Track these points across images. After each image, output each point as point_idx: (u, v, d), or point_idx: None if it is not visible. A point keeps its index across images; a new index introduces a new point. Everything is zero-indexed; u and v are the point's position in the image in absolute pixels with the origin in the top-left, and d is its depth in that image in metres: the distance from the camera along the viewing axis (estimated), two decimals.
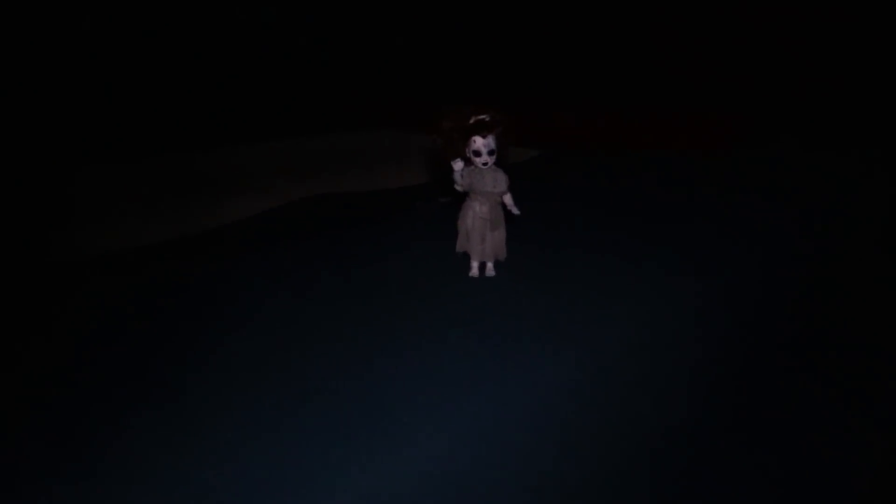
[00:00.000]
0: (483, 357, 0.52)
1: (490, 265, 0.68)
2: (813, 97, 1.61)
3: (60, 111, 1.33)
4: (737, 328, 0.75)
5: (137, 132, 1.41)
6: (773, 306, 0.81)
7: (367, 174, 1.19)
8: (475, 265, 0.68)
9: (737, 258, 0.77)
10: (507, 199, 0.65)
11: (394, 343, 0.55)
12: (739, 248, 0.79)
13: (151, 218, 0.97)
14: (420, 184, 1.10)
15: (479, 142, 0.63)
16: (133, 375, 0.52)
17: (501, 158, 0.65)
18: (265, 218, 0.95)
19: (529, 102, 1.64)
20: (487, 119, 0.63)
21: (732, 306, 0.74)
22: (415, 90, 1.82)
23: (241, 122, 1.57)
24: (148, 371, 0.53)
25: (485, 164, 0.63)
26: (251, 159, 1.29)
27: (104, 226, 0.94)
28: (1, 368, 0.57)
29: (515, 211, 0.65)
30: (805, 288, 0.88)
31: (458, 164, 0.64)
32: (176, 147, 1.36)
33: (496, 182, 0.64)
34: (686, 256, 0.75)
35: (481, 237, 0.66)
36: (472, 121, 0.63)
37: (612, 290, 0.64)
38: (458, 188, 0.66)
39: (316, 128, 1.54)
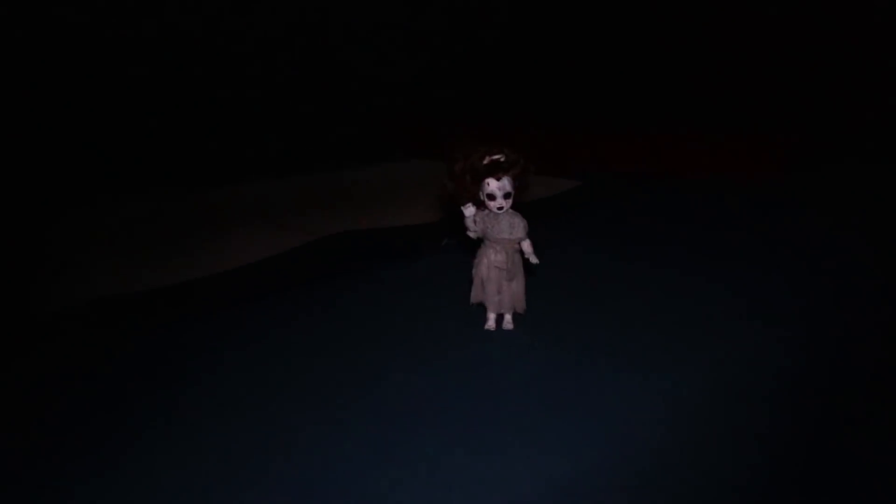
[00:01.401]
0: (484, 442, 0.46)
1: (508, 317, 0.62)
2: (867, 116, 1.52)
3: (84, 146, 1.33)
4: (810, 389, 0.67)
5: (161, 167, 1.41)
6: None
7: (395, 207, 1.15)
8: (492, 317, 0.62)
9: (805, 303, 0.69)
10: (526, 246, 0.59)
11: (393, 421, 0.50)
12: (805, 290, 0.72)
13: (174, 257, 0.94)
14: (446, 217, 1.05)
15: (493, 184, 0.57)
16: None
17: (518, 201, 0.59)
18: (287, 257, 0.91)
19: (572, 128, 1.58)
20: (502, 159, 0.57)
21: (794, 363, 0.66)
22: (445, 118, 1.78)
23: (269, 156, 1.56)
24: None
25: (500, 208, 0.58)
26: (279, 193, 1.27)
27: (89, 271, 0.92)
28: None
29: (534, 260, 0.59)
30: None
31: (468, 210, 0.59)
32: (204, 181, 1.35)
33: (513, 228, 0.58)
34: (736, 306, 0.67)
35: (497, 288, 0.60)
36: (485, 161, 0.57)
37: (649, 356, 0.57)
38: (472, 235, 0.60)
39: (346, 160, 1.52)
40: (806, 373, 0.69)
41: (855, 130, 1.49)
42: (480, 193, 0.58)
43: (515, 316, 0.62)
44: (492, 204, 0.58)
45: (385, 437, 0.47)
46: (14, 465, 0.47)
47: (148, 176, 1.38)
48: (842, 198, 1.08)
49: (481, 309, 0.62)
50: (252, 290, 0.79)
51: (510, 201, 0.58)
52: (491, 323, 0.62)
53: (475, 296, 0.62)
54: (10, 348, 0.67)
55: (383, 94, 1.73)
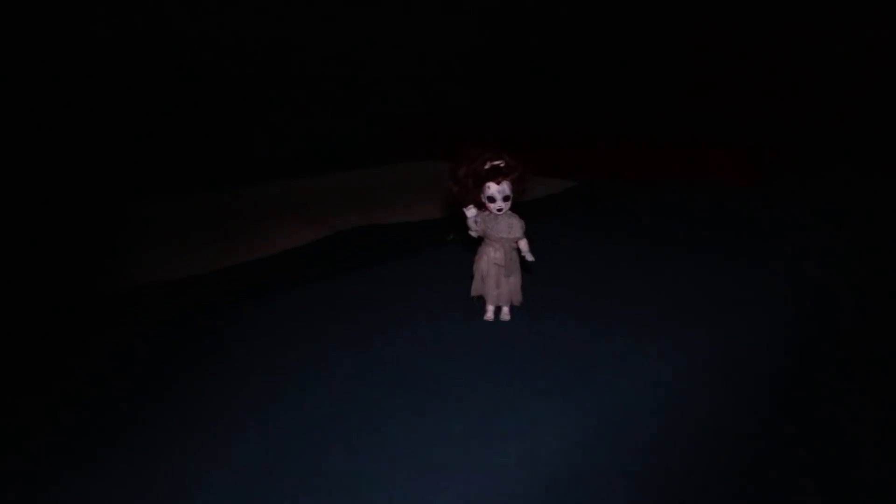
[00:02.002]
0: (485, 414, 0.52)
1: (506, 309, 0.67)
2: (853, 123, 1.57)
3: (105, 143, 1.40)
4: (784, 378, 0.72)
5: (182, 166, 1.49)
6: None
7: (409, 205, 1.21)
8: (490, 309, 0.67)
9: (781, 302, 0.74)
10: (523, 245, 0.65)
11: (396, 393, 0.56)
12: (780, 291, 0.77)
13: (186, 252, 0.99)
14: (452, 215, 1.11)
15: (493, 188, 0.63)
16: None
17: (517, 203, 0.64)
18: (303, 251, 0.97)
19: (572, 132, 1.64)
20: (502, 165, 0.63)
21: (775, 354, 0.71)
22: (456, 121, 1.85)
23: (288, 156, 1.62)
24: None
25: (499, 210, 0.63)
26: (299, 192, 1.33)
27: (140, 259, 0.98)
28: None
29: (530, 258, 0.64)
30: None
31: (470, 211, 0.64)
32: (223, 180, 1.42)
33: (511, 228, 0.64)
34: (721, 301, 0.73)
35: (496, 282, 0.66)
36: (486, 166, 0.63)
37: (640, 345, 0.63)
38: (473, 234, 0.66)
39: (363, 161, 1.58)
40: (791, 363, 0.75)
41: (839, 137, 1.54)
42: (481, 196, 0.64)
43: (512, 308, 0.67)
44: (492, 206, 0.63)
45: (384, 422, 0.51)
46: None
47: (182, 176, 1.46)
48: (825, 202, 1.13)
49: (481, 301, 0.68)
50: (271, 280, 0.86)
51: (509, 203, 0.64)
52: (489, 314, 0.67)
53: (475, 289, 0.67)
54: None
55: (400, 98, 1.81)
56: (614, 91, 2.08)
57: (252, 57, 1.57)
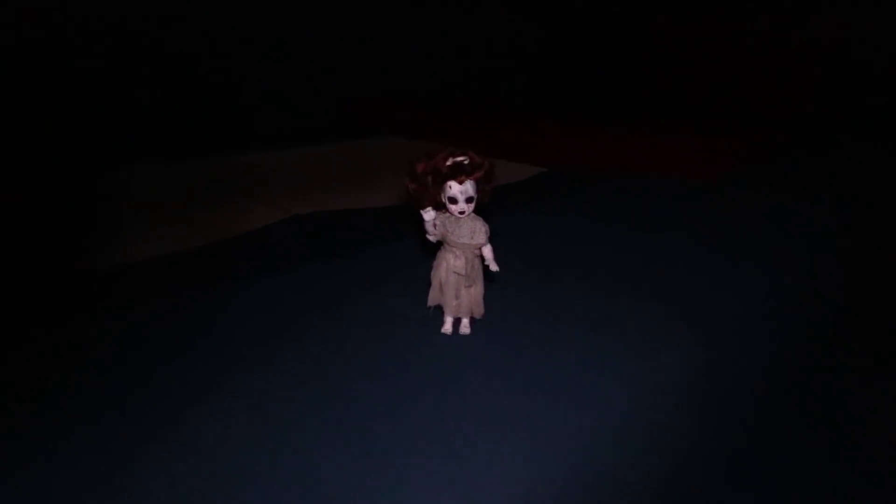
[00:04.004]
0: (441, 442, 0.46)
1: (465, 321, 0.61)
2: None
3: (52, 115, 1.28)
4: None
5: (128, 138, 1.37)
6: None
7: (366, 187, 1.13)
8: (448, 321, 0.61)
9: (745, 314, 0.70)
10: (487, 252, 0.58)
11: (348, 421, 0.49)
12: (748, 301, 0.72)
13: (129, 234, 0.91)
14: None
15: (455, 188, 0.56)
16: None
17: (481, 205, 0.58)
18: (245, 239, 0.89)
19: (538, 115, 1.57)
20: (466, 162, 0.56)
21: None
22: (422, 98, 1.76)
23: (242, 130, 1.51)
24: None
25: (461, 212, 0.56)
26: (250, 169, 1.24)
27: (90, 242, 0.89)
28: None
29: (494, 267, 0.58)
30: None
31: (428, 214, 0.57)
32: (169, 154, 1.31)
33: (474, 233, 0.57)
34: (704, 299, 0.68)
35: (455, 293, 0.59)
36: (448, 163, 0.56)
37: (610, 357, 0.57)
38: (431, 238, 0.59)
39: (322, 136, 1.48)
40: (785, 358, 0.71)
41: (808, 126, 1.53)
42: (441, 196, 0.57)
43: (473, 321, 0.61)
44: (453, 208, 0.56)
45: (347, 445, 0.46)
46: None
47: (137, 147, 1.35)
48: (798, 193, 1.10)
49: (438, 312, 0.61)
50: (220, 270, 0.78)
51: (472, 206, 0.57)
52: (447, 327, 0.61)
53: (432, 299, 0.60)
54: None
55: (363, 72, 1.70)
56: (588, 76, 2.02)
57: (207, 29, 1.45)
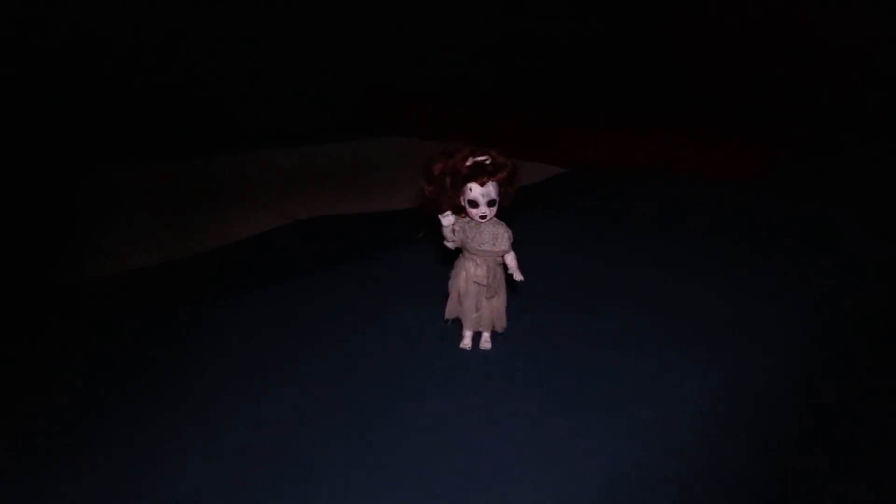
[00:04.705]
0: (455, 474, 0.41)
1: (486, 336, 0.56)
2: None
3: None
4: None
5: (133, 136, 1.31)
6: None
7: (371, 189, 1.08)
8: (468, 335, 0.56)
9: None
10: (510, 260, 0.53)
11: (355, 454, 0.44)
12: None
13: (120, 243, 0.86)
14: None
15: (476, 190, 0.51)
16: None
17: (504, 208, 0.53)
18: (239, 248, 0.83)
19: (557, 111, 1.52)
20: (488, 162, 0.51)
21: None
22: (430, 93, 1.69)
23: (235, 127, 1.44)
24: None
25: (483, 217, 0.51)
26: (248, 170, 1.18)
27: (86, 248, 0.84)
28: None
29: (518, 276, 0.53)
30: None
31: (447, 219, 0.52)
32: (156, 154, 1.25)
33: (496, 239, 0.52)
34: (741, 310, 0.63)
35: (476, 304, 0.54)
36: (468, 163, 0.51)
37: (638, 390, 0.52)
38: (450, 245, 0.54)
39: (322, 134, 1.42)
40: (817, 376, 0.65)
41: (836, 127, 1.48)
42: (461, 199, 0.52)
43: (495, 335, 0.56)
44: (474, 212, 0.51)
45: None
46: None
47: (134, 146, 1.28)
48: (836, 196, 1.04)
49: (457, 325, 0.56)
50: (220, 278, 0.73)
51: (494, 209, 0.52)
52: (467, 341, 0.56)
53: (451, 311, 0.55)
54: None
55: (368, 64, 1.63)
56: (610, 73, 1.95)
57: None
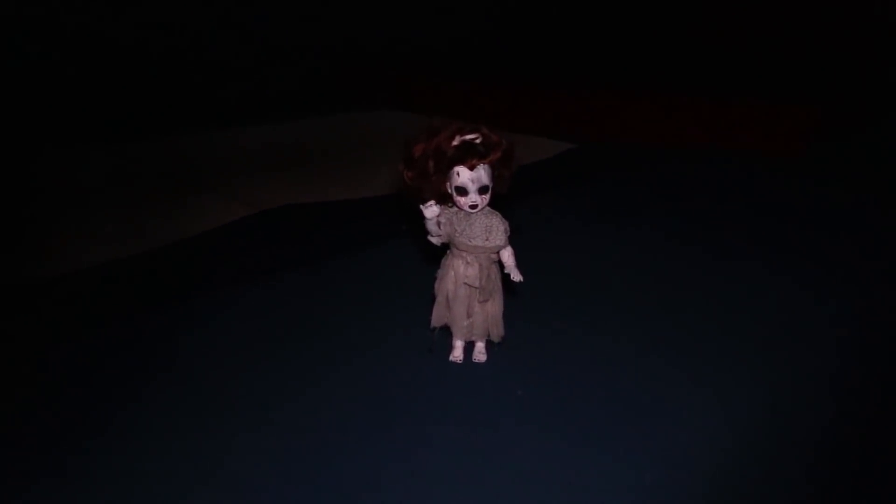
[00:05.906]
0: None
1: (480, 346, 0.48)
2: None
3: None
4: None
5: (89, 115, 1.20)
6: None
7: (352, 171, 0.99)
8: (458, 345, 0.48)
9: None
10: (506, 257, 0.45)
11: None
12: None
13: (89, 233, 0.77)
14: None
15: (464, 175, 0.42)
16: None
17: (498, 196, 0.44)
18: (199, 242, 0.74)
19: (564, 80, 1.40)
20: (478, 141, 0.42)
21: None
22: (425, 61, 1.58)
23: (196, 100, 1.31)
24: None
25: (473, 206, 0.43)
26: (217, 150, 1.09)
27: (54, 241, 0.75)
28: None
29: (516, 277, 0.44)
30: None
31: (430, 210, 0.44)
32: (133, 134, 1.15)
33: (490, 232, 0.44)
34: (779, 316, 0.55)
35: (466, 310, 0.46)
36: (455, 142, 0.42)
37: (658, 415, 0.43)
38: (435, 240, 0.45)
39: (299, 107, 1.32)
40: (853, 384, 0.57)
41: (877, 101, 1.36)
42: (447, 186, 0.43)
43: (490, 344, 0.48)
44: (462, 200, 0.43)
45: None
46: None
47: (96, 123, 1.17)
48: (867, 171, 0.95)
49: (446, 334, 0.48)
50: (188, 276, 0.64)
51: (487, 197, 0.43)
52: (458, 353, 0.48)
53: (438, 318, 0.47)
54: None
55: (354, 27, 1.50)
56: (620, 33, 1.80)
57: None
